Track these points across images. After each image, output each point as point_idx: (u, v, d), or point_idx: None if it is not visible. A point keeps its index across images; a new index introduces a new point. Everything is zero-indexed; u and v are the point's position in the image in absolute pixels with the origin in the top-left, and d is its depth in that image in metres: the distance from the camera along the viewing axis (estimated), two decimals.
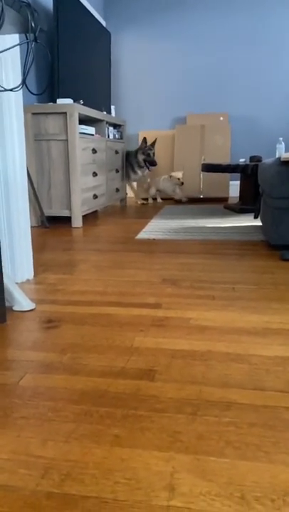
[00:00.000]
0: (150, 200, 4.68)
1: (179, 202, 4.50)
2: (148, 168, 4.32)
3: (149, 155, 4.24)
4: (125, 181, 4.46)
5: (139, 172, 4.42)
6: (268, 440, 0.77)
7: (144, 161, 4.27)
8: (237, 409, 0.86)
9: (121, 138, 4.30)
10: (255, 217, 2.91)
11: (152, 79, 4.87)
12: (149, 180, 4.68)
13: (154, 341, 1.18)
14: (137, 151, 4.28)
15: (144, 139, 4.27)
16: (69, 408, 0.87)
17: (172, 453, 0.74)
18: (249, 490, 0.66)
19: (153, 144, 4.32)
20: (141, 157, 4.27)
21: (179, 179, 4.23)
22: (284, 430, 0.80)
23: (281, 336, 1.20)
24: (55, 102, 3.08)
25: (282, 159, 2.17)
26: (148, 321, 1.33)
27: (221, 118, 4.55)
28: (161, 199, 4.69)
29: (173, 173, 4.31)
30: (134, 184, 4.60)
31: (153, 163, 4.29)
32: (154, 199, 4.70)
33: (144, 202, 4.56)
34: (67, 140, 2.93)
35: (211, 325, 1.29)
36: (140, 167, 4.35)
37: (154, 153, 4.29)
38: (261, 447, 0.75)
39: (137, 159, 4.32)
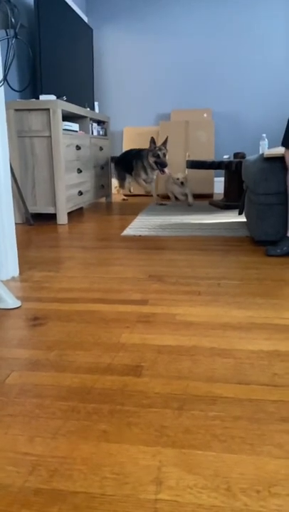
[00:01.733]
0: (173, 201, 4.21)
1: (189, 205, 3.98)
2: (161, 171, 3.94)
3: (158, 156, 3.87)
4: (135, 178, 4.17)
5: (151, 174, 4.10)
6: (253, 433, 0.79)
7: (156, 163, 3.91)
8: (222, 403, 0.88)
9: (105, 134, 4.28)
10: (240, 213, 2.94)
11: (136, 75, 4.85)
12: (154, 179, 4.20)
13: (141, 337, 1.19)
14: (147, 153, 3.96)
15: (152, 139, 3.91)
16: (56, 405, 0.88)
17: (159, 447, 0.75)
18: (235, 482, 0.67)
19: (164, 143, 3.96)
20: (151, 159, 3.91)
21: (178, 179, 3.83)
22: (269, 423, 0.81)
23: (265, 331, 1.22)
24: (37, 98, 3.05)
25: (265, 156, 2.20)
26: (134, 317, 1.34)
27: (205, 114, 4.57)
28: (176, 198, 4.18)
29: (173, 174, 3.98)
30: (143, 182, 4.20)
31: (163, 165, 3.90)
32: (177, 199, 4.18)
33: (163, 203, 4.12)
34: (50, 137, 2.90)
35: (197, 320, 1.30)
36: (153, 169, 4.03)
37: (165, 154, 3.91)
38: (246, 440, 0.77)
39: (148, 162, 3.98)
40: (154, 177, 4.15)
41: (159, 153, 3.87)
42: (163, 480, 0.68)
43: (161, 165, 3.91)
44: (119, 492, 0.65)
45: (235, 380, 0.96)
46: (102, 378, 0.98)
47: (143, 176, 4.13)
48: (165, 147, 3.93)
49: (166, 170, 3.96)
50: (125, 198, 4.67)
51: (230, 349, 1.11)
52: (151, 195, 4.29)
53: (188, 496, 0.65)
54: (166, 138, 4.02)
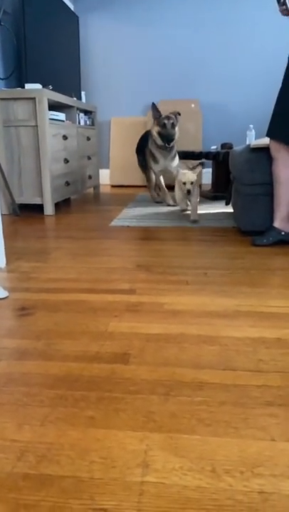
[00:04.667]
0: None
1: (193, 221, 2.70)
2: (166, 145, 2.98)
3: (164, 125, 2.93)
4: (146, 172, 3.42)
5: (162, 160, 3.12)
6: (237, 417, 0.81)
7: (159, 134, 2.98)
8: (208, 389, 0.89)
9: (92, 124, 4.24)
10: (227, 203, 2.96)
11: (123, 64, 4.80)
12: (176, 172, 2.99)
13: (128, 326, 1.20)
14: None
15: (154, 105, 3.05)
16: (44, 393, 0.88)
17: (146, 432, 0.76)
18: (219, 464, 0.69)
19: (175, 113, 3.10)
20: (155, 130, 2.99)
21: (184, 184, 2.63)
22: (253, 407, 0.83)
23: (251, 318, 1.24)
24: (23, 87, 3.00)
25: (251, 146, 2.21)
26: (122, 306, 1.35)
27: (193, 105, 4.55)
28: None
29: (180, 174, 2.71)
30: (154, 177, 3.31)
31: (169, 137, 2.93)
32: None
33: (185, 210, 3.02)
34: (37, 126, 2.87)
35: (184, 309, 1.32)
36: (160, 149, 3.07)
37: (174, 124, 2.99)
38: (231, 423, 0.79)
39: (153, 139, 3.06)
40: (174, 164, 3.17)
41: (166, 122, 2.95)
42: (149, 463, 0.69)
43: (167, 138, 2.96)
44: (107, 475, 0.67)
45: (221, 367, 0.98)
46: (89, 366, 0.99)
47: (154, 166, 3.21)
48: (176, 116, 3.06)
49: (175, 164, 3.05)
50: (158, 199, 3.55)
51: (217, 336, 1.13)
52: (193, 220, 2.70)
53: (174, 477, 0.66)
54: (179, 113, 3.14)
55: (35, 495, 0.63)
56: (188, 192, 2.62)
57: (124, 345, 1.08)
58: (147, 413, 0.82)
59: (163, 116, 3.02)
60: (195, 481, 0.65)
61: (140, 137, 3.61)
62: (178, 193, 2.93)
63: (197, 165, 2.76)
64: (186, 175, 2.62)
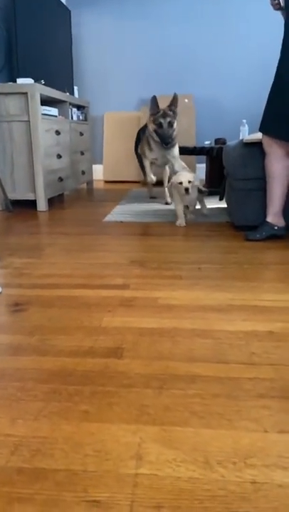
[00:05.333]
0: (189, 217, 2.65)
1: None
2: (164, 145, 2.66)
3: (160, 124, 2.57)
4: (142, 160, 3.10)
5: (156, 150, 2.81)
6: (230, 409, 0.81)
7: (157, 134, 2.63)
8: (202, 382, 0.90)
9: (85, 119, 4.22)
10: (220, 199, 2.96)
11: (116, 59, 4.78)
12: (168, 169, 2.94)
13: (122, 321, 1.20)
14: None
15: (154, 98, 2.65)
16: (38, 388, 0.88)
17: (140, 425, 0.77)
18: (212, 455, 0.70)
19: (172, 104, 2.67)
20: (151, 127, 2.67)
21: (180, 183, 2.34)
22: (246, 399, 0.84)
23: (244, 312, 1.25)
24: (15, 81, 2.98)
25: (244, 141, 2.21)
26: (116, 301, 1.35)
27: (186, 100, 4.54)
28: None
29: (176, 175, 2.45)
30: (148, 164, 3.01)
31: (165, 138, 2.56)
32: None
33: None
34: (29, 121, 2.85)
35: (178, 303, 1.32)
36: (156, 142, 2.78)
37: (171, 123, 2.62)
38: (224, 416, 0.79)
39: (149, 133, 2.79)
40: (172, 154, 2.86)
41: (162, 121, 2.57)
42: (143, 455, 0.69)
43: (163, 138, 2.60)
44: (101, 468, 0.67)
45: (215, 360, 0.98)
46: (83, 361, 0.99)
47: (148, 154, 2.91)
48: (174, 111, 2.63)
49: (174, 154, 2.67)
50: (153, 196, 3.47)
51: (210, 330, 1.13)
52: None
53: (167, 469, 0.67)
54: (174, 96, 2.66)
55: (29, 488, 0.63)
56: (187, 191, 2.31)
57: (118, 340, 1.09)
58: (141, 406, 0.82)
59: (160, 112, 2.62)
60: (188, 473, 0.66)
61: (137, 134, 3.46)
62: (177, 204, 2.50)
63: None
64: (182, 174, 2.37)
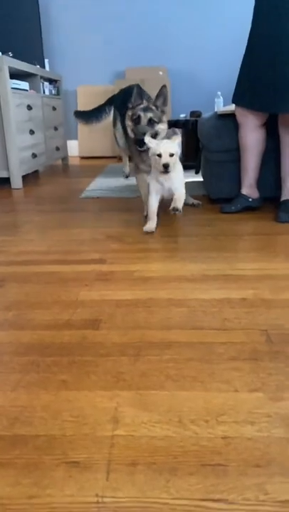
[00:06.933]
0: None
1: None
2: (138, 148, 1.92)
3: (138, 119, 1.90)
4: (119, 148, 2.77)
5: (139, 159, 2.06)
6: (203, 372, 0.84)
7: (133, 133, 1.94)
8: (176, 347, 0.93)
9: (58, 94, 4.11)
10: (196, 172, 2.96)
11: (88, 31, 4.62)
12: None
13: (99, 294, 1.22)
14: (127, 109, 2.02)
15: (138, 87, 1.97)
16: (15, 360, 0.90)
17: (116, 391, 0.79)
18: (186, 415, 0.73)
19: (160, 95, 1.93)
20: (128, 124, 1.99)
21: (159, 156, 1.71)
22: (218, 362, 0.87)
23: (218, 281, 1.28)
24: None
25: (218, 113, 2.21)
26: (93, 276, 1.36)
27: (160, 72, 4.46)
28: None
29: (154, 145, 1.77)
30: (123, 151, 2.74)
31: (141, 142, 1.84)
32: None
33: None
34: None
35: (154, 275, 1.34)
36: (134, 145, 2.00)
37: (151, 120, 1.89)
38: (197, 378, 0.83)
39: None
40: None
41: (141, 114, 1.89)
42: (119, 419, 0.72)
43: (138, 142, 1.88)
44: (79, 432, 0.69)
45: (189, 326, 1.01)
46: (60, 333, 1.00)
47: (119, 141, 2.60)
48: (158, 106, 1.93)
49: (161, 154, 1.68)
50: (126, 174, 3.18)
51: (185, 299, 1.16)
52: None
53: (142, 430, 0.70)
54: (162, 88, 1.93)
55: (10, 453, 0.65)
56: (166, 167, 1.69)
57: (95, 312, 1.10)
58: (117, 373, 0.84)
59: (142, 105, 1.92)
60: (163, 432, 0.69)
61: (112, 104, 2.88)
62: (150, 193, 1.88)
63: (172, 134, 1.93)
64: (162, 144, 1.74)
